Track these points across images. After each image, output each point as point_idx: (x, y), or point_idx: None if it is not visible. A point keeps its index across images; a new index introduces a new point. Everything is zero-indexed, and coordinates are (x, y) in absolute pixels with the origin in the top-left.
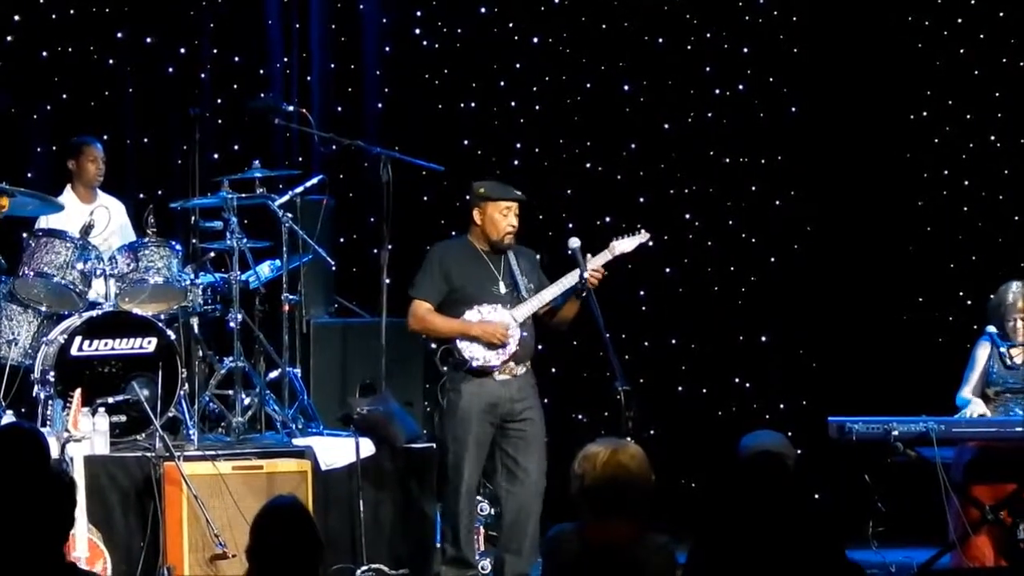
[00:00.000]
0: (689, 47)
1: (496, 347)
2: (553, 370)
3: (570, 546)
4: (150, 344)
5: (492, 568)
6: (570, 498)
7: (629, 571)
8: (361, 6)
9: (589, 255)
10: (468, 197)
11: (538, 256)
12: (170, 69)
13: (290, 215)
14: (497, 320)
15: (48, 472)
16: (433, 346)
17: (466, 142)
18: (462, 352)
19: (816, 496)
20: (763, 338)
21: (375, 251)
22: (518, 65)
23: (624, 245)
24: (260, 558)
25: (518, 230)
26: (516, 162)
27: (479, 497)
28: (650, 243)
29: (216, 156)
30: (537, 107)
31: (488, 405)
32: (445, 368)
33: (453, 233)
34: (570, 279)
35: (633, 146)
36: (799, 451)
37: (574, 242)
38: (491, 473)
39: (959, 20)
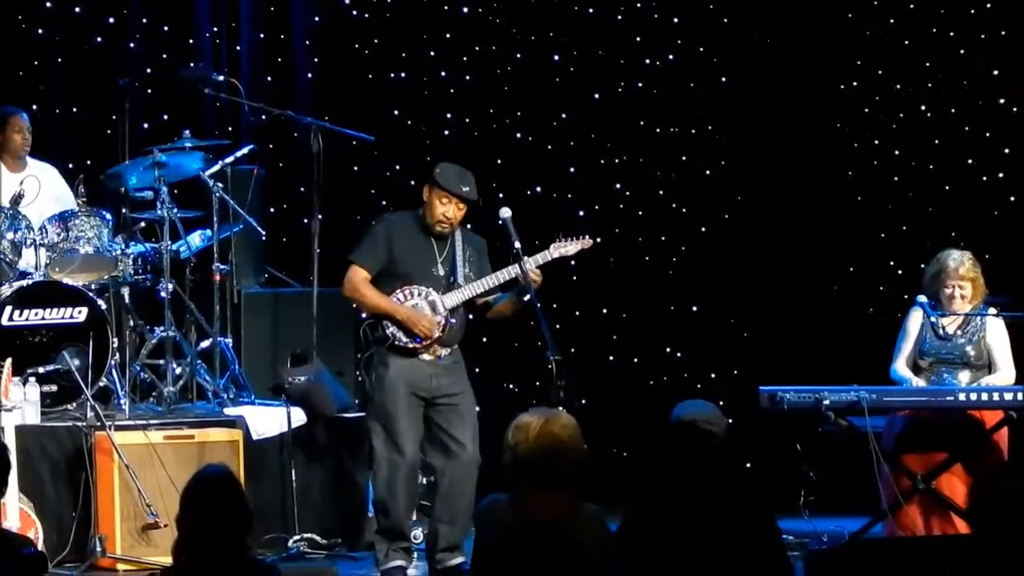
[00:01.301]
0: (619, 17)
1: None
2: (484, 340)
3: (503, 517)
4: (81, 314)
5: (424, 538)
6: (502, 469)
7: (561, 542)
8: None
9: (527, 257)
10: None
11: (468, 226)
12: (98, 39)
13: (220, 185)
14: (425, 310)
15: None
16: (364, 316)
17: (396, 112)
18: (386, 329)
19: (748, 465)
20: (694, 308)
21: (305, 221)
22: (448, 35)
23: (564, 248)
24: (189, 527)
25: (456, 223)
26: (446, 132)
27: None
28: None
29: (146, 126)
30: (467, 77)
31: (414, 379)
32: (367, 341)
33: (384, 203)
34: (504, 274)
35: (563, 116)
36: (730, 420)
37: (505, 212)
38: (426, 447)
39: None
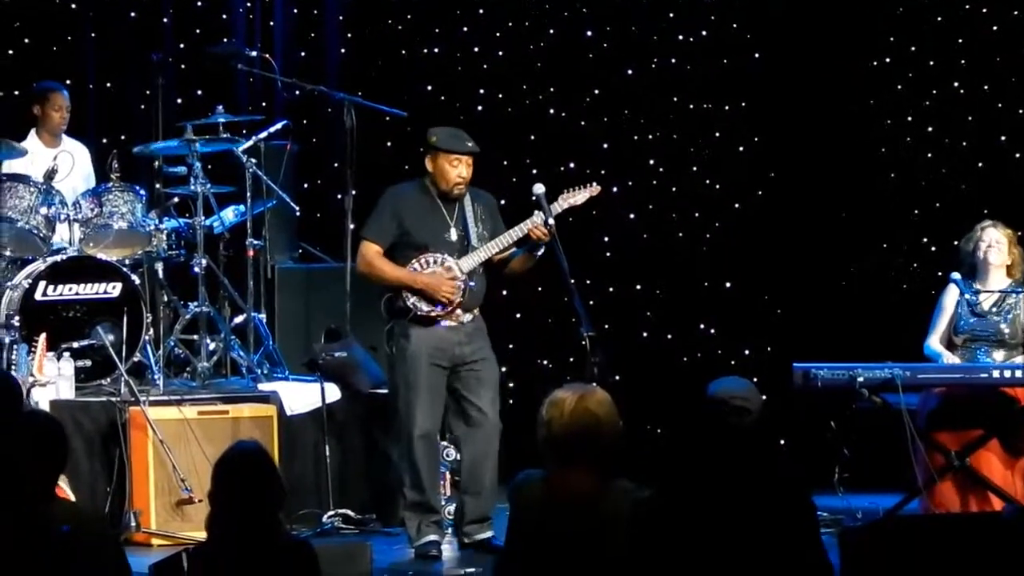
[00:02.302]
0: None
1: (440, 300)
2: (518, 316)
3: (536, 493)
4: (115, 289)
5: (454, 511)
6: (536, 444)
7: (595, 517)
8: None
9: (536, 212)
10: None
11: (502, 202)
12: (132, 14)
13: (254, 161)
14: (443, 275)
15: (24, 417)
16: (391, 294)
17: (429, 87)
18: (406, 301)
19: (781, 443)
20: (728, 284)
21: (339, 196)
22: (481, 10)
23: (572, 199)
24: (221, 502)
25: (471, 179)
26: (479, 108)
27: (444, 443)
28: (601, 193)
29: (179, 101)
30: (500, 52)
31: (436, 349)
32: (388, 315)
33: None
34: (518, 231)
35: (596, 92)
36: (764, 397)
37: (538, 188)
38: (449, 417)
39: None
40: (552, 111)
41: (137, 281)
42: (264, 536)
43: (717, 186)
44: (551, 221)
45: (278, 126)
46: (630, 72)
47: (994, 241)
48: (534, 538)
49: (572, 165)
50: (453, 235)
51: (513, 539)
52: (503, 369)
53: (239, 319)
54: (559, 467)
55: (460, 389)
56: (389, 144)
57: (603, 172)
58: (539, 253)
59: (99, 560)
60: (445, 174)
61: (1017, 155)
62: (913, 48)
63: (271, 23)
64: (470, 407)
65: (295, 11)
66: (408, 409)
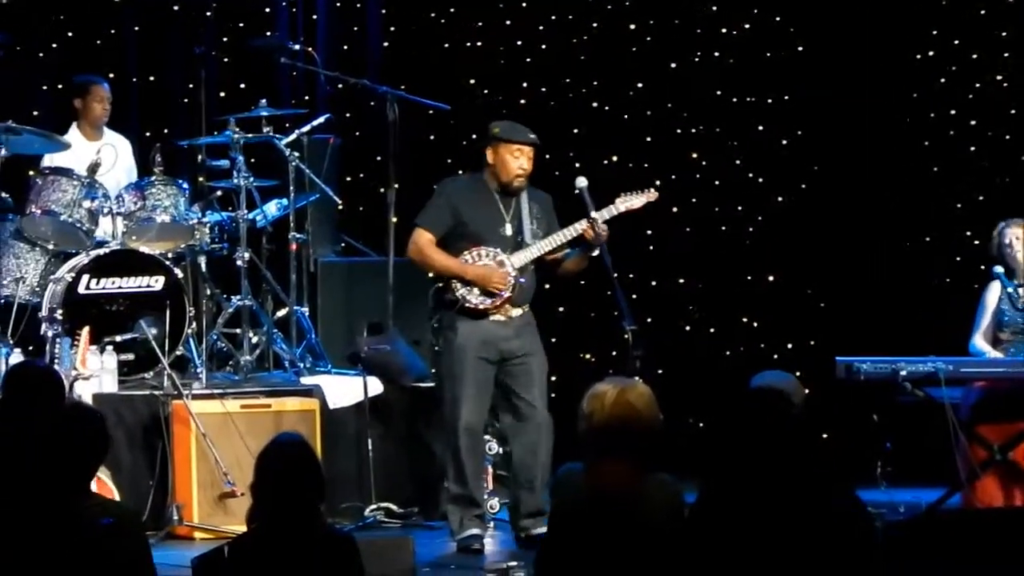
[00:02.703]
0: None
1: (491, 293)
2: (560, 309)
3: (576, 486)
4: (158, 282)
5: (508, 506)
6: (577, 437)
7: (634, 510)
8: None
9: (592, 212)
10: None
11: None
12: (175, 7)
13: (296, 154)
14: (495, 268)
15: (65, 409)
16: (441, 282)
17: (472, 81)
18: (455, 292)
19: (824, 436)
20: (771, 278)
21: (381, 190)
22: (524, 3)
23: (630, 202)
24: (263, 494)
25: (530, 173)
26: (522, 101)
27: (487, 436)
28: (658, 199)
29: (222, 95)
30: (543, 46)
31: (484, 343)
32: (436, 306)
33: (460, 172)
34: (572, 230)
35: (640, 85)
36: (807, 391)
37: (581, 181)
38: (497, 412)
39: None
40: (595, 104)
41: (180, 275)
42: (305, 529)
43: (760, 179)
44: (593, 214)
45: (321, 119)
46: (673, 65)
47: (1014, 239)
48: (575, 530)
49: (615, 159)
50: (507, 230)
51: (554, 531)
52: None
53: (282, 312)
54: (599, 460)
55: (509, 383)
56: (432, 138)
57: (646, 165)
58: (593, 254)
59: (130, 558)
60: (506, 165)
61: None
62: (956, 41)
63: (314, 16)
64: (519, 401)
65: (338, 4)
66: (453, 402)
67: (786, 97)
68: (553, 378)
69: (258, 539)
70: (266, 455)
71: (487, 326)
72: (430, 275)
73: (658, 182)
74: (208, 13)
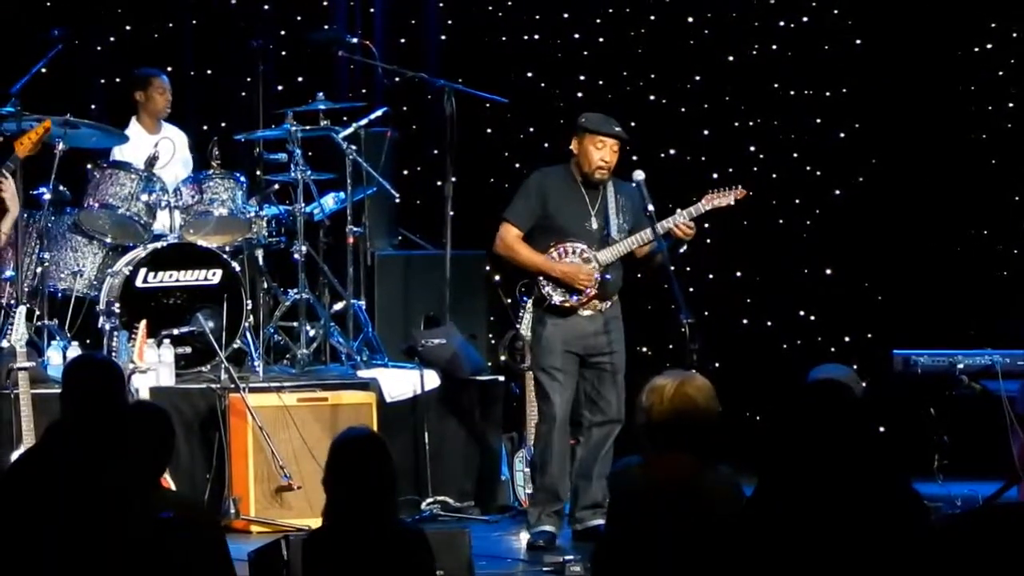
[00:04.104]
0: None
1: (576, 291)
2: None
3: (635, 479)
4: (215, 276)
5: (569, 497)
6: (636, 430)
7: (693, 501)
8: None
9: (680, 210)
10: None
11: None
12: (233, 1)
13: (354, 147)
14: (580, 266)
15: (130, 407)
16: (497, 278)
17: (529, 74)
18: (541, 289)
19: (881, 429)
20: (828, 271)
21: (438, 183)
22: None
23: (718, 200)
24: (337, 488)
25: (613, 167)
26: (579, 94)
27: None
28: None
29: (280, 88)
30: (601, 39)
31: (572, 337)
32: (525, 300)
33: (516, 166)
34: (661, 226)
35: (697, 78)
36: (864, 384)
37: (638, 175)
38: (574, 407)
39: None
40: (652, 97)
41: (237, 268)
42: (379, 522)
43: (818, 172)
44: (650, 207)
45: (378, 113)
46: (731, 58)
47: None
48: (633, 522)
49: (672, 152)
50: (593, 224)
51: (613, 524)
52: None
53: (339, 306)
54: (658, 452)
55: (590, 379)
56: (489, 131)
57: (703, 159)
58: (682, 250)
59: (201, 549)
60: (588, 156)
61: None
62: (1015, 34)
63: (371, 9)
64: (598, 398)
65: None
66: (546, 396)
67: (844, 90)
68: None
69: (334, 534)
70: (338, 449)
71: (575, 320)
72: (496, 276)
73: (715, 175)
74: (266, 6)
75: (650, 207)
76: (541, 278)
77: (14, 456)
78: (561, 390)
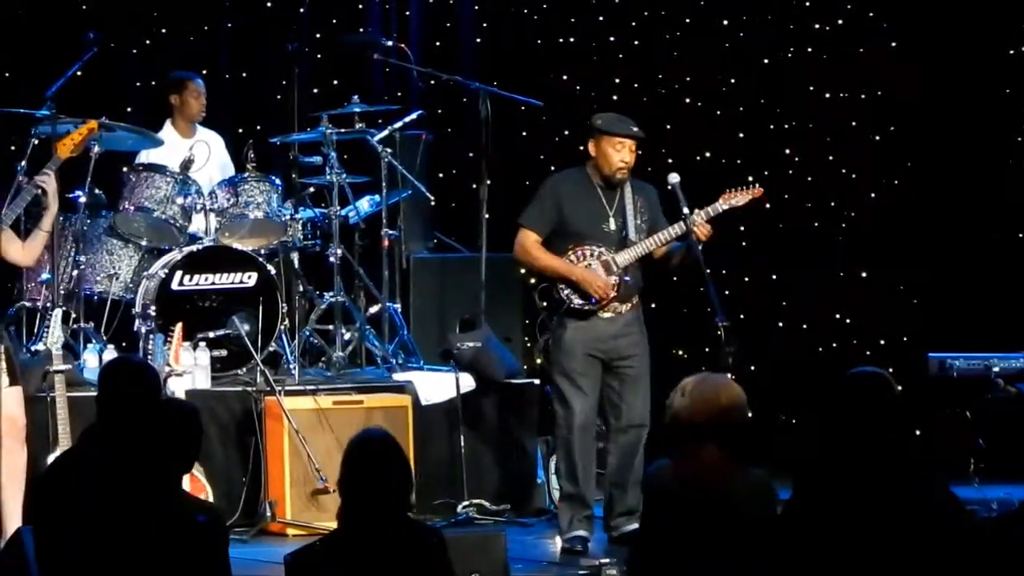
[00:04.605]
0: None
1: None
2: (653, 305)
3: (666, 480)
4: (250, 279)
5: (603, 505)
6: (667, 432)
7: (724, 502)
8: None
9: (696, 209)
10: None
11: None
12: (268, 4)
13: (389, 150)
14: (600, 269)
15: (160, 403)
16: (532, 281)
17: (565, 77)
18: (560, 292)
19: (917, 433)
20: (863, 274)
21: (474, 186)
22: (616, 0)
23: (734, 200)
24: (351, 491)
25: (632, 166)
26: (614, 97)
27: None
28: (763, 195)
29: (315, 91)
30: (636, 42)
31: (593, 340)
32: (545, 305)
33: (552, 168)
34: (678, 228)
35: (733, 81)
36: (899, 388)
37: (673, 177)
38: (599, 410)
39: None
40: (688, 100)
41: (273, 271)
42: (395, 523)
43: (853, 175)
44: (685, 210)
45: (413, 116)
46: (766, 61)
47: None
48: (667, 523)
49: (708, 155)
50: (611, 225)
51: (647, 524)
52: None
53: (374, 309)
54: (688, 452)
55: (613, 384)
56: (524, 134)
57: (739, 161)
58: (699, 249)
59: (218, 556)
60: (608, 158)
61: None
62: None
63: (407, 12)
64: (621, 403)
65: (430, 0)
66: (566, 400)
67: (879, 92)
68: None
69: (350, 536)
70: (352, 451)
71: (596, 323)
72: (532, 279)
73: (751, 177)
74: (301, 9)
75: (685, 209)
76: (559, 283)
77: (51, 459)
78: (582, 395)
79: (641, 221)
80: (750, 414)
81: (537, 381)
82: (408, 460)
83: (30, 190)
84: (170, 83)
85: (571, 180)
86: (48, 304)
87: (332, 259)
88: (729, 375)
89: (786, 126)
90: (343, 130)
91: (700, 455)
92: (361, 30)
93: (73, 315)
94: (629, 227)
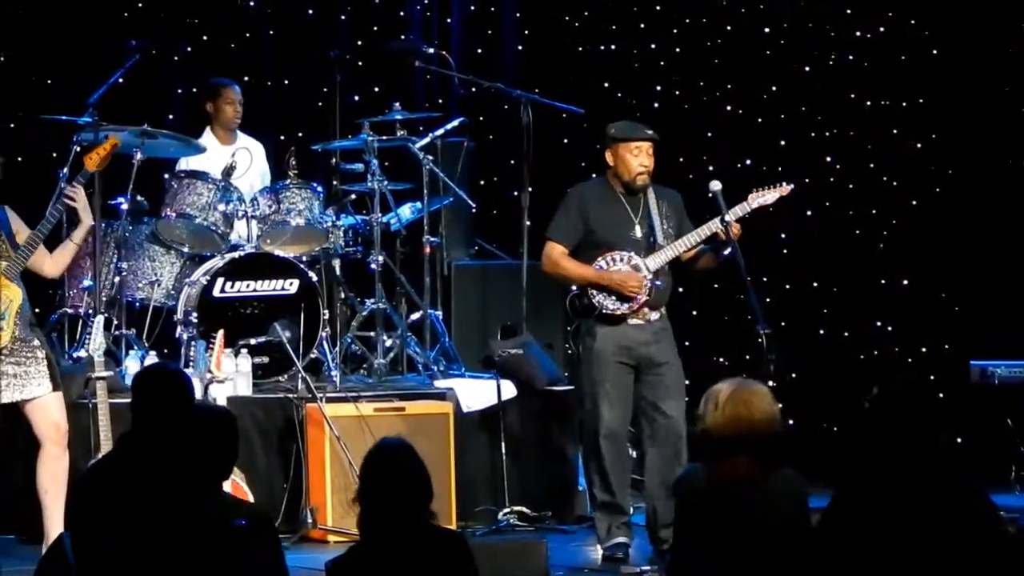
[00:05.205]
0: None
1: (627, 298)
2: (694, 313)
3: (698, 484)
4: (292, 286)
5: (645, 514)
6: (697, 438)
7: (755, 504)
8: None
9: (728, 215)
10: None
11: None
12: (310, 11)
13: (431, 157)
14: (630, 272)
15: (193, 409)
16: (575, 289)
17: (605, 84)
18: (592, 299)
19: (958, 440)
20: (905, 281)
21: (515, 193)
22: (658, 7)
23: (763, 198)
24: (369, 501)
25: (654, 169)
26: (656, 104)
27: None
28: (793, 192)
29: (356, 98)
30: (677, 49)
31: (622, 348)
32: (573, 313)
33: (593, 175)
34: (706, 229)
35: (773, 88)
36: (940, 395)
37: (715, 185)
38: (634, 419)
39: None
40: (728, 107)
41: (314, 278)
42: (416, 531)
43: (894, 183)
44: (728, 218)
45: (455, 123)
46: (807, 69)
47: None
48: (700, 525)
49: (749, 162)
50: (638, 232)
51: (680, 528)
52: None
53: (415, 316)
54: (719, 459)
55: (646, 392)
56: (566, 141)
57: (779, 169)
58: (726, 253)
59: (263, 559)
60: (627, 164)
61: None
62: None
63: (448, 20)
64: (656, 412)
65: (472, 8)
66: (595, 408)
67: (920, 100)
68: (687, 382)
69: (371, 546)
70: (369, 461)
71: (625, 330)
72: (574, 287)
73: (792, 185)
74: (342, 17)
75: (727, 216)
76: (591, 288)
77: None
78: (611, 403)
79: (668, 226)
80: (780, 423)
81: None
82: (426, 467)
83: (58, 208)
84: (206, 90)
85: (593, 190)
86: (90, 311)
87: (373, 266)
88: (770, 382)
89: (827, 134)
90: (384, 137)
91: (732, 460)
92: (402, 37)
93: (115, 322)
94: (657, 232)
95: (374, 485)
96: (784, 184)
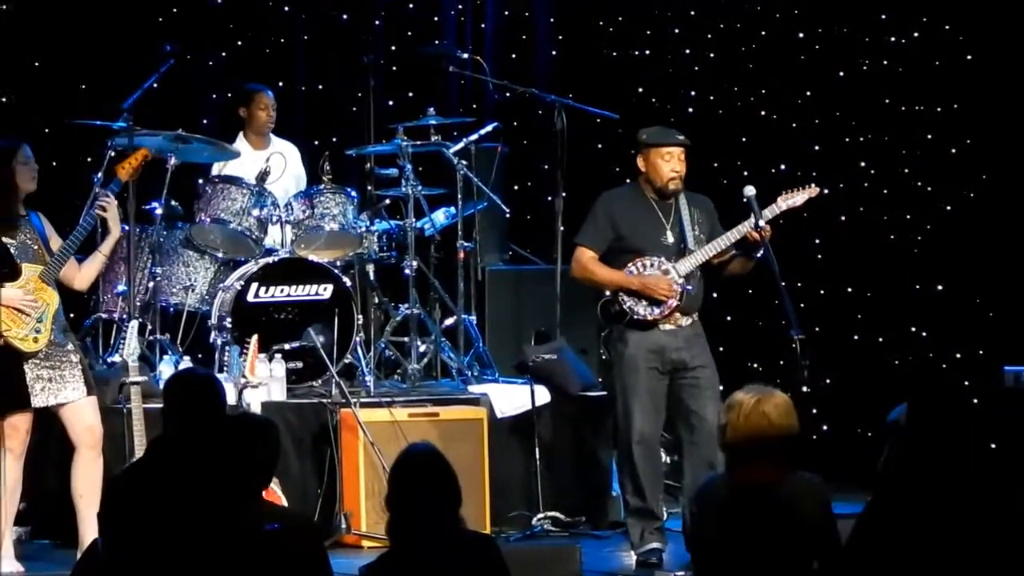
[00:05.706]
0: None
1: (658, 302)
2: (728, 318)
3: (719, 491)
4: (326, 291)
5: (682, 519)
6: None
7: (776, 506)
8: None
9: (761, 220)
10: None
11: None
12: (344, 16)
13: (464, 162)
14: (660, 276)
15: (231, 417)
16: (607, 294)
17: (640, 89)
18: (623, 304)
19: (992, 446)
20: (939, 287)
21: (549, 199)
22: (692, 12)
23: (792, 200)
24: (398, 507)
25: (686, 175)
26: (690, 109)
27: None
28: (824, 193)
29: (390, 103)
30: (711, 54)
31: (654, 353)
32: (605, 318)
33: (627, 181)
34: (736, 232)
35: (808, 93)
36: (975, 400)
37: (749, 190)
38: (671, 424)
39: None
40: (763, 112)
41: (348, 283)
42: (445, 536)
43: (928, 188)
44: (762, 223)
45: (489, 128)
46: (841, 73)
47: None
48: (719, 532)
49: (783, 167)
50: (669, 238)
51: (697, 535)
52: None
53: (449, 321)
54: (739, 467)
55: (681, 396)
56: (600, 146)
57: (814, 174)
58: (757, 256)
59: (305, 562)
60: (658, 170)
61: None
62: None
63: (482, 25)
64: (691, 416)
65: (506, 13)
66: (626, 414)
67: (955, 105)
68: (721, 387)
69: (400, 552)
70: (399, 467)
71: (657, 336)
72: (607, 293)
73: (827, 190)
74: (376, 22)
75: (761, 222)
76: (622, 294)
77: None
78: (642, 409)
79: (700, 232)
80: (799, 429)
81: None
82: (454, 473)
83: (92, 214)
84: (239, 95)
85: (624, 196)
86: (124, 316)
87: (407, 271)
88: (804, 388)
89: (861, 139)
90: (418, 142)
91: (753, 467)
92: (436, 42)
93: (149, 327)
94: (688, 238)
95: (402, 491)
96: (812, 185)
